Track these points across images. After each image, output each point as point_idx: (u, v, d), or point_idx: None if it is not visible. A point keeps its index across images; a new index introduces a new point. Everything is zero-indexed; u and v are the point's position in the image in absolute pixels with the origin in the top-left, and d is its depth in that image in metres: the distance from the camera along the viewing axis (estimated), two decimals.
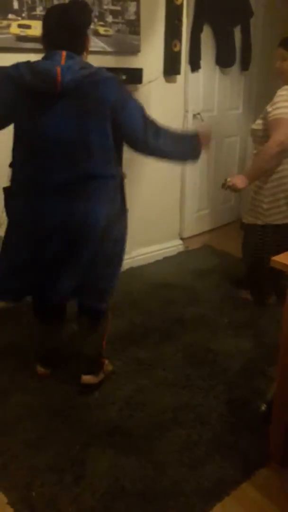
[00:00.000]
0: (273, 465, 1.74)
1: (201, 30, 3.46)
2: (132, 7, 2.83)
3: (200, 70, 3.56)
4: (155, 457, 1.78)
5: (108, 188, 1.81)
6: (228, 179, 2.45)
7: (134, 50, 2.90)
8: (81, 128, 1.69)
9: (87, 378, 2.09)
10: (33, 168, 1.76)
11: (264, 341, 2.50)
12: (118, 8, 2.77)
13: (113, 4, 2.76)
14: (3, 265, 1.89)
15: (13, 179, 1.83)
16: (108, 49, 2.77)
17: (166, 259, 3.52)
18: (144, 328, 2.61)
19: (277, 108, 2.36)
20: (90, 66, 1.73)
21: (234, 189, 2.45)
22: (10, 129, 1.77)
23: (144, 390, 2.13)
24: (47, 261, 1.83)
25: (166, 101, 3.20)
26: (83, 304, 2.04)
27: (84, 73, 1.65)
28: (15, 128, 1.77)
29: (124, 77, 2.81)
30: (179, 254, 3.61)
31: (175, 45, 3.10)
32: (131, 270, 3.31)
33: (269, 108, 2.41)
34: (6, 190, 1.85)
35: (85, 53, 1.78)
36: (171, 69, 3.14)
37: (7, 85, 1.68)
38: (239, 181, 2.42)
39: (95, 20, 2.67)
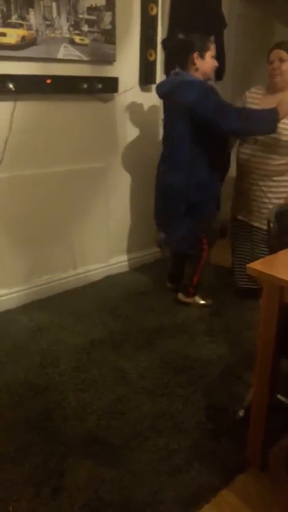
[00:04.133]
0: (251, 470, 1.74)
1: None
2: (107, 17, 2.85)
3: None
4: (134, 467, 1.76)
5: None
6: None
7: (109, 59, 2.91)
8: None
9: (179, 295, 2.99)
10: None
11: (241, 347, 2.51)
12: (94, 17, 2.78)
13: (88, 14, 2.77)
14: None
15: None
16: (84, 57, 2.77)
17: (144, 266, 3.52)
18: (123, 336, 2.60)
19: None
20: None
21: None
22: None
23: (123, 399, 2.11)
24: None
25: (142, 109, 3.22)
26: None
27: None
28: None
29: (100, 86, 2.83)
30: (157, 261, 3.62)
31: (150, 55, 3.13)
32: (109, 278, 3.31)
33: None
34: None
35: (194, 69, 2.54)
36: (146, 78, 3.16)
37: None
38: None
39: (71, 29, 2.67)
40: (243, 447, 1.79)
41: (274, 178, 2.66)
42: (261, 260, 1.60)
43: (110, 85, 2.91)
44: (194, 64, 2.52)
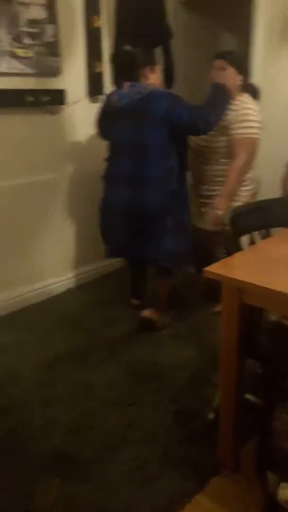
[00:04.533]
0: (225, 472, 1.74)
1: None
2: (49, 29, 2.83)
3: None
4: (106, 480, 1.72)
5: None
6: (216, 211, 2.46)
7: (55, 72, 2.90)
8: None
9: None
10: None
11: (208, 349, 2.51)
12: (36, 30, 2.76)
13: (30, 27, 2.75)
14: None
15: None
16: (28, 70, 2.74)
17: (106, 276, 3.49)
18: (87, 348, 2.56)
19: (245, 127, 2.47)
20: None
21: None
22: None
23: (90, 412, 2.07)
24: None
25: (91, 121, 3.21)
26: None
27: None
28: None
29: (46, 98, 2.80)
30: (116, 271, 3.59)
31: (96, 67, 3.14)
32: (71, 290, 3.26)
33: (233, 125, 2.48)
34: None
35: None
36: (94, 89, 3.17)
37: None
38: (223, 205, 2.46)
39: (12, 42, 2.64)
40: (215, 449, 1.78)
41: (217, 187, 2.61)
42: (219, 262, 1.61)
43: (57, 98, 2.90)
44: (147, 78, 2.52)
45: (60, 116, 3.02)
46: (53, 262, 3.20)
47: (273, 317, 0.94)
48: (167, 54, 3.88)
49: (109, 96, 2.66)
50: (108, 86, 3.30)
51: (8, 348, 2.57)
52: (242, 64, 2.60)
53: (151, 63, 2.56)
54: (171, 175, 2.49)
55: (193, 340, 2.60)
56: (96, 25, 3.08)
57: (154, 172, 2.46)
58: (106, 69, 3.26)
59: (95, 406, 2.10)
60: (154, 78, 2.55)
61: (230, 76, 2.52)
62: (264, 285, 1.41)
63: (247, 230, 1.82)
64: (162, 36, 3.79)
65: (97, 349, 2.55)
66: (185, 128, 2.44)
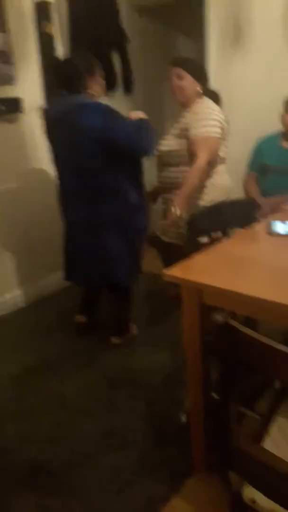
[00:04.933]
0: (199, 473, 1.75)
1: None
2: (1, 38, 2.81)
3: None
4: (81, 491, 1.71)
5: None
6: (173, 209, 2.33)
7: (9, 80, 2.87)
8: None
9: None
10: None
11: (181, 352, 2.48)
12: None
13: None
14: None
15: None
16: None
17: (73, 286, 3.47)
18: (60, 358, 2.54)
19: (204, 126, 2.39)
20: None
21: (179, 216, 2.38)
22: None
23: (65, 422, 2.06)
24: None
25: None
26: None
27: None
28: None
29: (2, 107, 2.78)
30: None
31: (52, 73, 3.12)
32: (42, 299, 3.23)
33: (190, 124, 2.41)
34: None
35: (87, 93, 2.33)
36: (50, 97, 3.14)
37: None
38: (181, 205, 2.34)
39: None
40: (188, 451, 1.79)
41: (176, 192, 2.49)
42: (178, 265, 1.61)
43: (13, 106, 2.87)
44: (88, 87, 2.35)
45: (18, 125, 2.99)
46: (22, 270, 3.17)
47: (219, 317, 0.95)
48: (124, 59, 3.89)
49: (45, 109, 2.52)
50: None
51: None
52: (199, 71, 2.53)
53: (92, 71, 2.38)
54: (125, 188, 2.38)
55: (166, 343, 2.61)
56: (48, 31, 3.07)
57: (103, 184, 2.35)
58: None
59: (69, 416, 2.09)
60: (95, 88, 2.39)
61: (188, 84, 2.47)
62: (222, 286, 1.42)
63: (204, 232, 1.83)
64: (118, 41, 3.80)
65: (71, 358, 2.53)
66: (121, 148, 2.27)
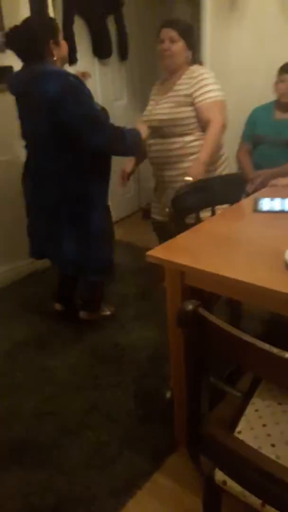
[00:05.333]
0: (182, 450, 1.77)
1: (72, 23, 3.40)
2: None
3: (78, 63, 3.50)
4: (65, 466, 1.74)
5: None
6: (186, 178, 2.26)
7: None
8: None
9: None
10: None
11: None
12: None
13: None
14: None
15: None
16: None
17: None
18: (49, 333, 2.55)
19: (210, 91, 2.32)
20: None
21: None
22: None
23: (51, 398, 2.08)
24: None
25: None
26: None
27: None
28: None
29: None
30: None
31: None
32: (36, 273, 3.22)
33: (196, 93, 2.33)
34: None
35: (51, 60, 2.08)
36: None
37: None
38: (196, 171, 2.28)
39: None
40: (172, 428, 1.81)
41: (176, 166, 2.46)
42: (161, 246, 1.59)
43: (3, 75, 2.78)
44: (51, 54, 2.09)
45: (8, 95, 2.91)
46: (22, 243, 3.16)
47: (190, 306, 0.93)
48: (119, 22, 3.77)
49: (8, 81, 2.28)
50: None
51: None
52: (191, 36, 2.42)
53: (55, 34, 2.11)
54: (70, 175, 2.18)
55: (155, 320, 2.61)
56: None
57: (47, 168, 2.19)
58: None
59: (57, 392, 2.12)
60: (58, 52, 2.12)
61: (181, 50, 2.37)
62: (205, 268, 1.40)
63: (191, 210, 1.80)
64: (113, 4, 3.67)
65: (59, 333, 2.55)
66: (68, 128, 2.03)
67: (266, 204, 1.83)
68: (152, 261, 1.52)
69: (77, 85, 2.06)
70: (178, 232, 1.66)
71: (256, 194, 2.03)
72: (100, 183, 2.30)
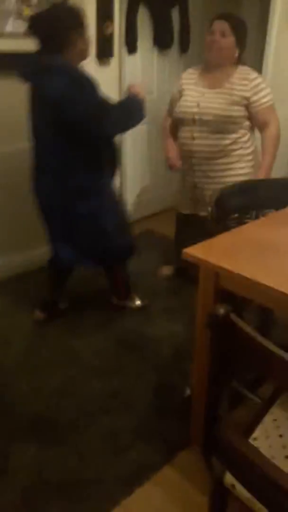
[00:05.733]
0: (195, 447, 1.78)
1: (136, 11, 3.39)
2: None
3: (138, 52, 3.51)
4: (80, 447, 1.79)
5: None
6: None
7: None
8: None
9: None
10: None
11: (195, 325, 2.52)
12: None
13: None
14: None
15: None
16: None
17: None
18: (79, 316, 2.60)
19: (266, 95, 2.42)
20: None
21: None
22: None
23: (74, 379, 2.13)
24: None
25: (100, 84, 3.13)
26: None
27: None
28: None
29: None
30: None
31: (107, 27, 3.04)
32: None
33: (254, 97, 2.39)
34: None
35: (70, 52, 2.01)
36: (104, 51, 3.08)
37: None
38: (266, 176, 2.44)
39: (19, 0, 2.56)
40: (188, 425, 1.82)
41: (220, 161, 2.49)
42: (199, 244, 1.59)
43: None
44: (71, 45, 2.02)
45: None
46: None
47: (222, 311, 0.94)
48: (183, 14, 3.74)
49: (18, 70, 2.13)
50: (118, 49, 3.21)
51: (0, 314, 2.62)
52: (244, 35, 2.42)
53: (78, 26, 2.04)
54: (72, 168, 2.13)
55: (183, 315, 2.61)
56: None
57: (48, 160, 2.14)
58: (117, 30, 3.15)
59: (79, 374, 2.16)
60: (80, 45, 2.06)
61: (230, 45, 2.38)
62: (241, 272, 1.40)
63: (235, 212, 1.78)
64: None
65: (89, 317, 2.59)
66: (78, 124, 1.99)
67: None
68: (188, 259, 1.53)
69: (85, 79, 1.98)
70: (219, 233, 1.65)
71: None
72: (107, 176, 2.27)
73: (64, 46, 2.00)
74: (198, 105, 2.46)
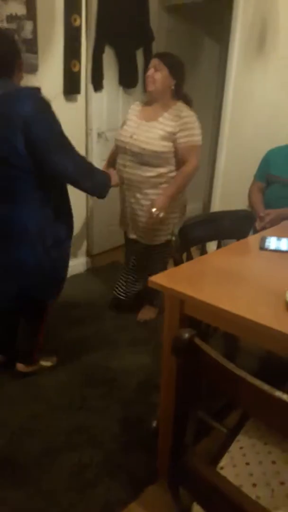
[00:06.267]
0: (162, 481, 1.74)
1: (102, 51, 3.50)
2: (28, 26, 2.81)
3: (104, 90, 3.60)
4: (45, 486, 1.71)
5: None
6: (154, 210, 2.51)
7: (31, 69, 2.87)
8: None
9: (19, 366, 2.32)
10: None
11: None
12: (14, 26, 2.74)
13: (8, 22, 2.73)
14: None
15: None
16: None
17: (74, 277, 3.48)
18: (44, 351, 2.54)
19: (192, 135, 2.51)
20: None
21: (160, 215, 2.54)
22: None
23: (39, 415, 2.06)
24: None
25: (66, 119, 3.15)
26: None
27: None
28: None
29: None
30: (87, 271, 3.59)
31: (74, 65, 3.13)
32: None
33: (180, 133, 2.49)
34: None
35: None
36: (70, 88, 3.15)
37: None
38: (162, 204, 2.51)
39: None
40: (155, 458, 1.79)
41: (148, 191, 2.59)
42: (163, 273, 1.61)
43: None
44: (18, 70, 1.92)
45: None
46: None
47: (186, 335, 0.94)
48: (148, 55, 3.88)
49: None
50: (85, 86, 3.30)
51: None
52: (177, 68, 2.57)
53: (19, 54, 1.95)
54: (52, 222, 1.98)
55: (149, 347, 2.61)
56: (76, 24, 3.07)
57: (25, 218, 1.91)
58: (84, 69, 3.25)
59: (44, 410, 2.10)
60: (20, 76, 1.98)
61: (162, 78, 2.53)
62: (205, 299, 1.41)
63: (197, 242, 1.82)
64: (143, 38, 3.80)
65: (54, 351, 2.53)
66: (37, 148, 1.80)
67: (273, 243, 1.86)
68: (153, 286, 1.54)
69: (49, 106, 1.87)
70: (182, 262, 1.67)
71: (263, 232, 2.06)
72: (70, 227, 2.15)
73: (14, 70, 1.90)
74: (131, 136, 2.58)
